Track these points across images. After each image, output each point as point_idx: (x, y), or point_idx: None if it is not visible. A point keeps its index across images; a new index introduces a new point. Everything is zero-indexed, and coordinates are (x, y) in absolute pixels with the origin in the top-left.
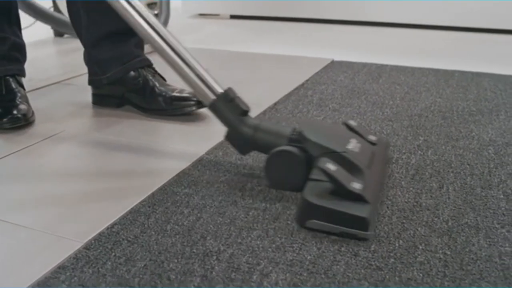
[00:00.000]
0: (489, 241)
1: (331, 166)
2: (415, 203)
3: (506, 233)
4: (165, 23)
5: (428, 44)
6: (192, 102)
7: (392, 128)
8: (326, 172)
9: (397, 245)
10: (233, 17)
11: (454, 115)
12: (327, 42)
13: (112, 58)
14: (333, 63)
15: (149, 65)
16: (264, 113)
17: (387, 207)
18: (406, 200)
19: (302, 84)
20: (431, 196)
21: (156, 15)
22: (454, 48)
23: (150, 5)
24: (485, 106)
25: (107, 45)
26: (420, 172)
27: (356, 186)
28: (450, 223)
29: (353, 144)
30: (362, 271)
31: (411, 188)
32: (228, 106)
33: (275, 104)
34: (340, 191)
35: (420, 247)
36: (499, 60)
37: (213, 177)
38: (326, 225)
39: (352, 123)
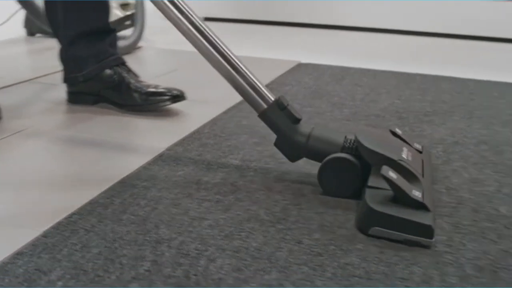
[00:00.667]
0: None
1: (393, 175)
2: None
3: (443, 223)
4: (141, 27)
5: (393, 48)
6: (167, 97)
7: (349, 127)
8: (389, 180)
9: (339, 234)
10: (207, 19)
11: (410, 115)
12: (296, 45)
13: (89, 55)
14: (299, 65)
15: (123, 63)
16: (226, 112)
17: (334, 199)
18: None
19: (267, 85)
20: None
21: (130, 16)
22: (417, 52)
23: (124, 6)
24: (441, 107)
25: (84, 43)
26: None
27: (416, 194)
28: None
29: (406, 152)
30: (304, 257)
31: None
32: (281, 114)
33: (238, 103)
34: (402, 199)
35: (360, 236)
36: (458, 64)
37: (171, 171)
38: (390, 233)
39: (398, 130)
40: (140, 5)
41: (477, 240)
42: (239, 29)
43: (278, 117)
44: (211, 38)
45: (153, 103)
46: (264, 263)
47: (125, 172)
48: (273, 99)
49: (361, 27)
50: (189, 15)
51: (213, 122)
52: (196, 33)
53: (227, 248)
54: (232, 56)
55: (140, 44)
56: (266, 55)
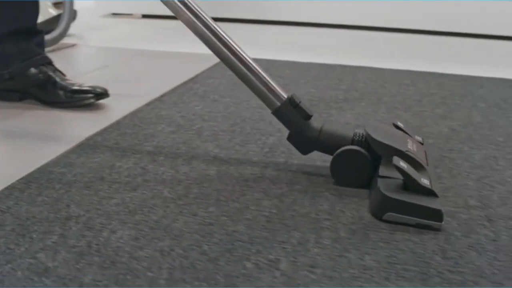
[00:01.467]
0: (312, 202)
1: (403, 164)
2: (260, 175)
3: (329, 195)
4: (69, 22)
5: (319, 42)
6: (91, 95)
7: (260, 115)
8: (400, 170)
9: (232, 206)
10: (145, 16)
11: (322, 102)
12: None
13: (15, 54)
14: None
15: (50, 62)
16: (148, 104)
17: (235, 178)
18: (252, 172)
19: (192, 78)
20: (276, 169)
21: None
22: (340, 45)
23: (57, 5)
24: (352, 95)
25: (11, 42)
26: (273, 150)
27: (425, 181)
28: (284, 189)
29: (411, 144)
30: (196, 226)
31: (260, 163)
32: (294, 111)
33: (161, 95)
34: (412, 187)
35: (252, 208)
36: (378, 56)
37: (88, 158)
38: (403, 217)
39: (400, 124)
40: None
41: (357, 208)
42: (177, 26)
43: (291, 114)
44: (223, 38)
45: (78, 100)
46: (160, 233)
47: (44, 160)
48: (286, 96)
49: (291, 21)
50: (201, 15)
51: (134, 113)
52: (210, 34)
53: (129, 221)
54: (245, 55)
55: (74, 41)
56: (199, 51)
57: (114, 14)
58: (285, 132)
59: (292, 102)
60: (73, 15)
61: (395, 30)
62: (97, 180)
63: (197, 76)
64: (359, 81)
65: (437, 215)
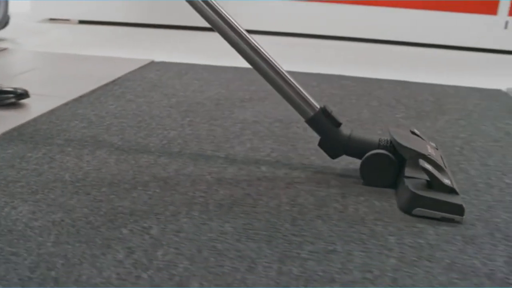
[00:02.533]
0: (192, 183)
1: (428, 166)
2: (153, 162)
3: (209, 177)
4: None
5: None
6: (12, 95)
7: (168, 112)
8: (427, 171)
9: (122, 187)
10: (82, 22)
11: (227, 102)
12: (156, 45)
13: None
14: (151, 63)
15: None
16: (66, 103)
17: (130, 165)
18: (146, 160)
19: (113, 81)
20: (168, 158)
21: None
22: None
23: None
24: (259, 95)
25: None
26: (171, 142)
27: (447, 181)
28: (171, 174)
29: (430, 149)
30: (87, 203)
31: (157, 152)
32: (326, 120)
33: (80, 96)
34: (436, 185)
35: (139, 188)
36: (291, 60)
37: (2, 150)
38: (431, 212)
39: (417, 131)
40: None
41: (231, 188)
42: (111, 32)
43: (323, 122)
44: (260, 51)
45: None
46: (55, 208)
47: None
48: (318, 107)
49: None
50: (237, 28)
51: (52, 112)
52: (247, 48)
53: (29, 200)
54: (280, 67)
55: (6, 46)
56: (126, 55)
57: (51, 20)
58: (186, 127)
59: (324, 112)
60: (5, 19)
61: (310, 36)
62: (8, 168)
63: (118, 78)
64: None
65: (459, 209)
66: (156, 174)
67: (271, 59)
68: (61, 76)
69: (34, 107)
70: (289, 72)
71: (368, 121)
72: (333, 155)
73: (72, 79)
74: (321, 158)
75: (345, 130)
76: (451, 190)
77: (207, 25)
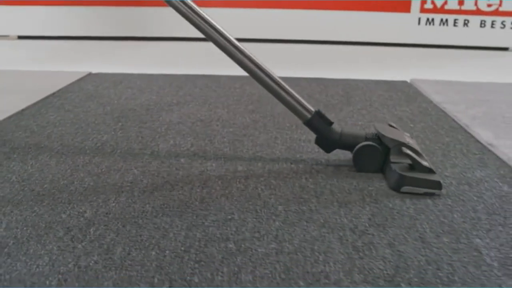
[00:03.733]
0: (121, 176)
1: (409, 152)
2: (88, 161)
3: (135, 171)
4: None
5: (169, 55)
6: None
7: (103, 119)
8: (409, 156)
9: (62, 183)
10: (21, 37)
11: (156, 107)
12: (97, 57)
13: None
14: (90, 75)
15: None
16: (10, 117)
17: (67, 164)
18: (82, 160)
19: (53, 93)
20: (101, 157)
21: None
22: (187, 56)
23: None
24: (185, 99)
25: None
26: (104, 144)
27: (425, 163)
28: (103, 169)
29: (407, 139)
30: (32, 197)
31: (91, 153)
32: (320, 121)
33: (22, 109)
34: (418, 167)
35: (75, 183)
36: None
37: None
38: (415, 189)
39: (393, 124)
40: None
41: (153, 178)
42: (44, 45)
43: (319, 123)
44: (256, 61)
45: None
46: (4, 203)
47: None
48: (313, 110)
49: (144, 36)
50: (231, 39)
51: None
52: (245, 59)
53: None
54: (276, 76)
55: None
56: (65, 69)
57: None
58: (118, 130)
59: (319, 114)
60: None
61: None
62: None
63: (58, 91)
64: (197, 87)
65: (438, 185)
66: (90, 171)
67: (267, 68)
68: (2, 92)
69: None
70: (217, 76)
71: (279, 116)
72: (328, 150)
73: (14, 93)
74: (232, 149)
75: (336, 128)
76: (430, 170)
77: (143, 34)
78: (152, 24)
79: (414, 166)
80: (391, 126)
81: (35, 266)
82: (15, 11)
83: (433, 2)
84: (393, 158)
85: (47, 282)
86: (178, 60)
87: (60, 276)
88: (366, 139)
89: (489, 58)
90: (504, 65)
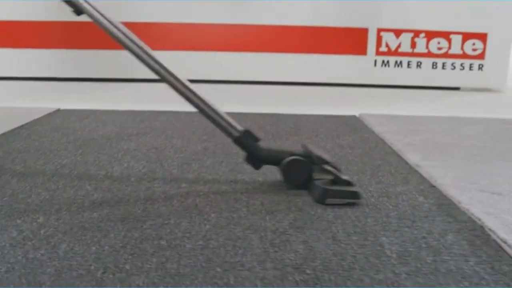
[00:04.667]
0: (81, 182)
1: (331, 168)
2: (47, 179)
3: (88, 187)
4: None
5: (135, 93)
6: None
7: (65, 146)
8: (330, 171)
9: (20, 197)
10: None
11: (117, 137)
12: (66, 96)
13: None
14: (58, 110)
15: None
16: None
17: (31, 181)
18: (41, 180)
19: (21, 126)
20: (60, 177)
21: None
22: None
23: None
24: (144, 131)
25: None
26: (64, 167)
27: (345, 177)
28: (60, 186)
29: (328, 156)
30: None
31: (51, 174)
32: (248, 139)
33: None
34: (339, 181)
35: (33, 196)
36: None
37: None
38: (338, 200)
39: (311, 145)
40: None
41: (103, 193)
42: (15, 85)
43: (247, 141)
44: (189, 85)
45: None
46: None
47: None
48: (241, 129)
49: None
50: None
51: None
52: (179, 84)
53: None
54: (206, 99)
55: None
56: (33, 106)
57: None
58: (78, 156)
59: (247, 133)
60: None
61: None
62: None
63: (26, 124)
64: (157, 121)
65: (357, 195)
66: (48, 187)
67: (198, 93)
68: None
69: None
70: (177, 112)
71: (230, 145)
72: (257, 167)
73: None
74: (180, 171)
75: (263, 144)
76: (349, 183)
77: (111, 76)
78: (121, 66)
79: (336, 180)
80: (304, 145)
81: None
82: None
83: (387, 45)
84: (316, 175)
85: None
86: (143, 99)
87: (9, 265)
88: (294, 154)
89: (441, 97)
90: (452, 102)
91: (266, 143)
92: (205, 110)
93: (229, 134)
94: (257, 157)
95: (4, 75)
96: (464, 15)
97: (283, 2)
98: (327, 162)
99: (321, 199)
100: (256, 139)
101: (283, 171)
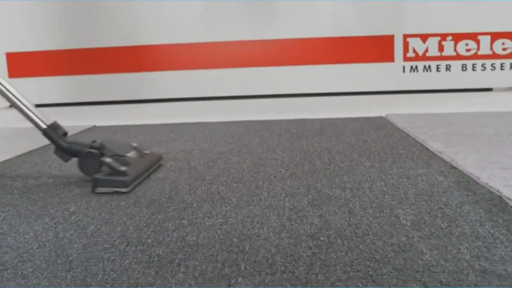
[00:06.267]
0: None
1: (109, 159)
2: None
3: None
4: None
5: (172, 112)
6: None
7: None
8: (105, 163)
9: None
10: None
11: (147, 144)
12: (106, 115)
13: None
14: (94, 127)
15: None
16: (19, 156)
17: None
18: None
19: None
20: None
21: None
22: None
23: None
24: (174, 138)
25: None
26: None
27: (123, 168)
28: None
29: (132, 153)
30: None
31: (65, 177)
32: (56, 131)
33: (30, 151)
34: (114, 172)
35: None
36: (210, 117)
37: None
38: (105, 188)
39: (134, 144)
40: None
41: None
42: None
43: (54, 133)
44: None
45: None
46: None
47: None
48: (48, 122)
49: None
50: None
51: (6, 162)
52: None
53: None
54: (19, 94)
55: None
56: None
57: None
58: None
59: (53, 126)
60: None
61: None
62: None
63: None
64: (187, 130)
65: (124, 184)
66: (80, 185)
67: (11, 88)
68: (20, 138)
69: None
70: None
71: (255, 145)
72: (64, 159)
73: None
74: (205, 167)
75: (70, 138)
76: (124, 173)
77: (142, 97)
78: (150, 87)
79: (112, 171)
80: (131, 145)
81: (22, 239)
82: (33, 82)
83: (414, 50)
84: (113, 166)
85: (30, 247)
86: (172, 115)
87: (40, 243)
88: (91, 147)
89: (473, 98)
90: (485, 102)
91: (71, 136)
92: (16, 103)
93: (36, 125)
94: (62, 150)
95: (41, 103)
96: (491, 15)
97: (307, 15)
98: (118, 155)
99: (93, 188)
100: (65, 133)
101: (78, 162)
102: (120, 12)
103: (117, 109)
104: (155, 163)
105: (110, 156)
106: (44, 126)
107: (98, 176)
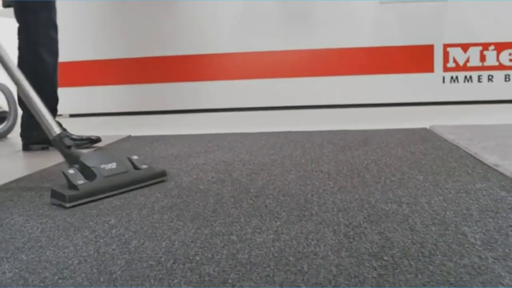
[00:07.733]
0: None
1: (71, 171)
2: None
3: (158, 194)
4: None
5: (208, 122)
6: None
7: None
8: (63, 173)
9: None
10: (72, 115)
11: (186, 155)
12: (140, 124)
13: None
14: (129, 137)
15: None
16: (57, 164)
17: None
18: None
19: (97, 149)
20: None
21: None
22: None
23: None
24: (212, 149)
25: None
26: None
27: (80, 182)
28: (130, 194)
29: (110, 166)
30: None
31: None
32: (61, 141)
33: None
34: (70, 185)
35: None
36: (246, 128)
37: None
38: (55, 200)
39: (134, 157)
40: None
41: (172, 198)
42: (91, 120)
43: (61, 144)
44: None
45: None
46: None
47: None
48: (58, 132)
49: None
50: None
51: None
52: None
53: None
54: (39, 102)
55: None
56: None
57: None
58: None
59: (60, 135)
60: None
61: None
62: None
63: (102, 147)
64: (225, 141)
65: (65, 199)
66: (119, 197)
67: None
68: None
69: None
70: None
71: (298, 157)
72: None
73: None
74: (249, 179)
75: (74, 150)
76: (76, 188)
77: (175, 107)
78: (186, 98)
79: (68, 183)
80: (129, 158)
81: (61, 253)
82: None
83: (455, 60)
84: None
85: (70, 262)
86: (209, 125)
87: (81, 258)
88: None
89: None
90: None
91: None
92: (36, 110)
93: (49, 133)
94: (68, 161)
95: (75, 113)
96: None
97: (347, 25)
98: (86, 167)
99: (51, 199)
100: (68, 146)
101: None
102: (157, 23)
103: (152, 119)
104: (149, 179)
105: (64, 169)
106: (54, 134)
107: (55, 188)
